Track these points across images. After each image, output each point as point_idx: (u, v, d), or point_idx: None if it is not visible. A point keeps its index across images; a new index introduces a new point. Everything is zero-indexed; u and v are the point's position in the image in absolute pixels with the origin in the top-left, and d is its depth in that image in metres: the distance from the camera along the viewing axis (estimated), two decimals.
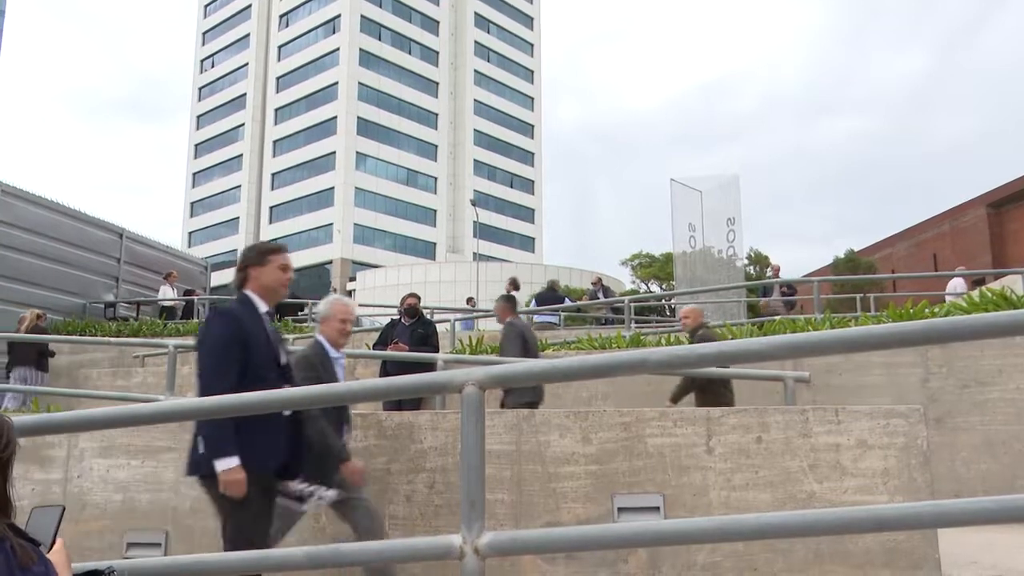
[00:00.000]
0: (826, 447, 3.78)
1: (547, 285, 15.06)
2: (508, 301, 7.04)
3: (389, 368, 7.35)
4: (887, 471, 3.73)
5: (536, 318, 14.27)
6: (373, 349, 8.13)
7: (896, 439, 3.75)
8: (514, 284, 13.54)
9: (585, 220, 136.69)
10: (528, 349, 6.69)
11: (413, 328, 7.88)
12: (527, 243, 73.10)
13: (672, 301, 22.82)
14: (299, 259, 61.31)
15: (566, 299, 15.31)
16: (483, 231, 56.35)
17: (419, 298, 8.28)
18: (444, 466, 4.09)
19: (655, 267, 44.82)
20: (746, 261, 38.78)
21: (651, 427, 3.93)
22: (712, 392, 6.20)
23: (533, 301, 14.44)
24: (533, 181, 75.48)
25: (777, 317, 10.79)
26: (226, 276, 65.90)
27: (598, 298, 16.37)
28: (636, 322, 14.08)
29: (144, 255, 15.84)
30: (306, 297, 16.74)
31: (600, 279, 18.05)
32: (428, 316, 9.20)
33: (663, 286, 42.74)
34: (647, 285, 46.50)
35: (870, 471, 3.74)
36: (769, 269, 41.08)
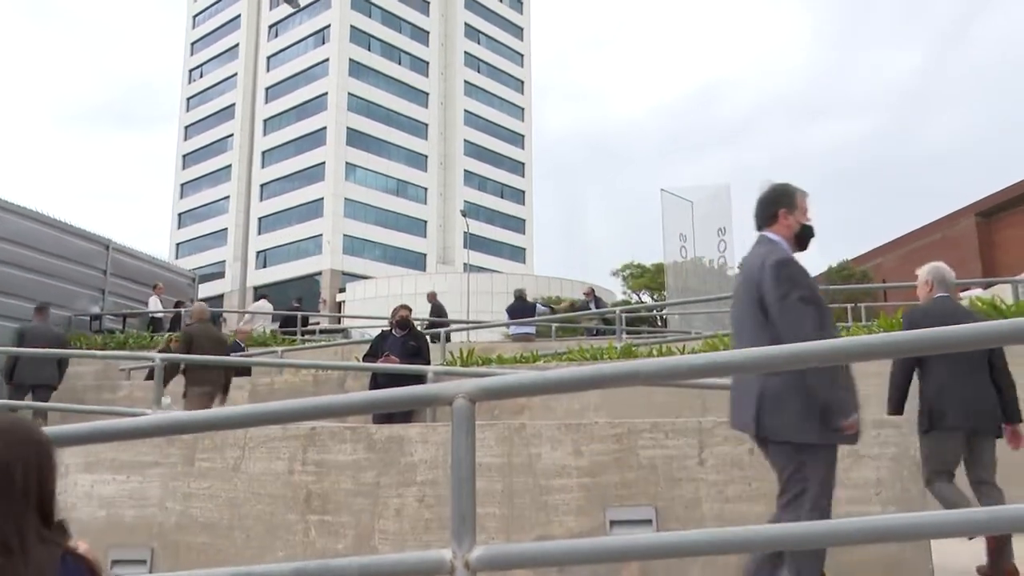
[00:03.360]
0: None
1: (515, 295, 14.93)
2: None
3: (379, 380, 7.34)
4: (880, 482, 3.74)
5: (512, 330, 14.21)
6: (363, 361, 8.11)
7: (887, 449, 3.76)
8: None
9: (576, 230, 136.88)
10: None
11: (404, 340, 7.86)
12: (518, 254, 73.15)
13: (664, 311, 22.86)
14: (288, 271, 61.14)
15: (537, 306, 15.25)
16: (474, 242, 56.40)
17: (411, 310, 8.25)
18: (434, 479, 4.07)
19: (646, 277, 44.91)
20: (738, 271, 38.90)
21: (643, 439, 3.92)
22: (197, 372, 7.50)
23: (506, 316, 14.29)
24: (524, 191, 75.62)
25: None
26: (214, 288, 65.40)
27: (590, 308, 16.37)
28: (627, 333, 14.09)
29: (130, 267, 15.76)
30: (305, 309, 16.67)
31: (592, 289, 18.06)
32: (419, 328, 9.19)
33: (655, 296, 42.83)
34: (638, 295, 46.58)
35: (862, 481, 3.74)
36: None
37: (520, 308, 14.37)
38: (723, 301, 16.82)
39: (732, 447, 3.84)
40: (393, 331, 8.05)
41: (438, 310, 16.67)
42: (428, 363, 7.83)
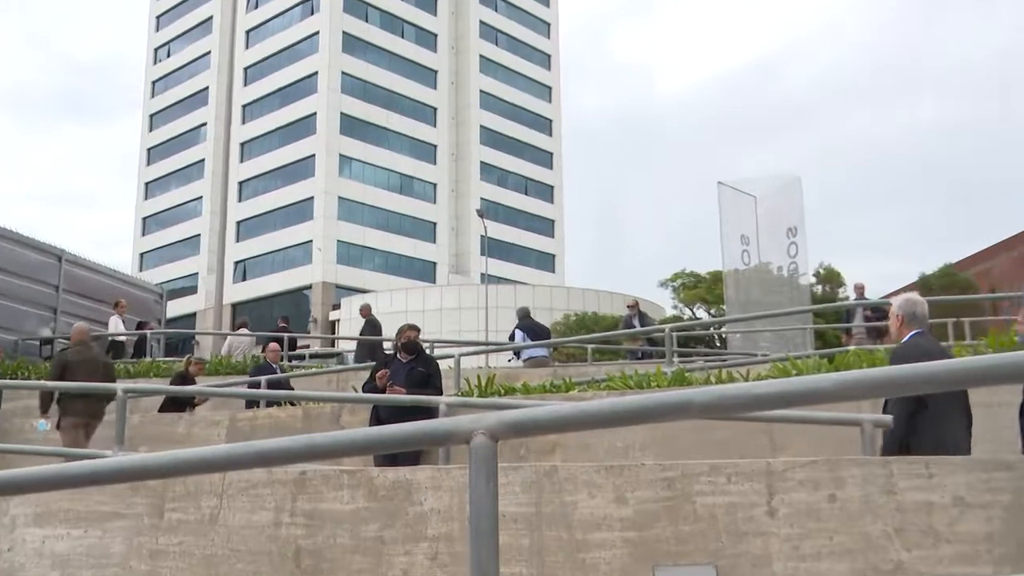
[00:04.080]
0: (915, 506, 3.74)
1: (521, 314, 15.07)
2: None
3: (382, 414, 7.38)
4: (991, 536, 3.68)
5: (525, 354, 14.32)
6: (362, 391, 8.17)
7: (1001, 496, 3.70)
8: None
9: (616, 233, 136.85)
10: None
11: (412, 366, 7.89)
12: (546, 261, 73.24)
13: (723, 329, 22.77)
14: (272, 284, 61.72)
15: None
16: (493, 247, 56.55)
17: (419, 330, 8.31)
18: (449, 533, 4.07)
19: (701, 288, 44.82)
20: (813, 279, 38.67)
21: (700, 483, 3.90)
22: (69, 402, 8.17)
23: (522, 335, 14.38)
24: (552, 187, 75.81)
25: (851, 348, 10.73)
26: (185, 304, 65.76)
27: (632, 325, 16.35)
28: (679, 355, 14.03)
29: (87, 281, 16.00)
30: (292, 329, 16.87)
31: (637, 303, 18.04)
32: (429, 352, 9.25)
33: (712, 311, 42.66)
34: (692, 310, 46.44)
35: (970, 536, 3.69)
36: (846, 289, 41.02)
37: (532, 327, 14.57)
38: (795, 316, 16.73)
39: (808, 493, 3.81)
40: (398, 355, 8.10)
41: (373, 327, 16.92)
42: (440, 393, 7.86)
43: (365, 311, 17.67)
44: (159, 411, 10.07)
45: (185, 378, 11.17)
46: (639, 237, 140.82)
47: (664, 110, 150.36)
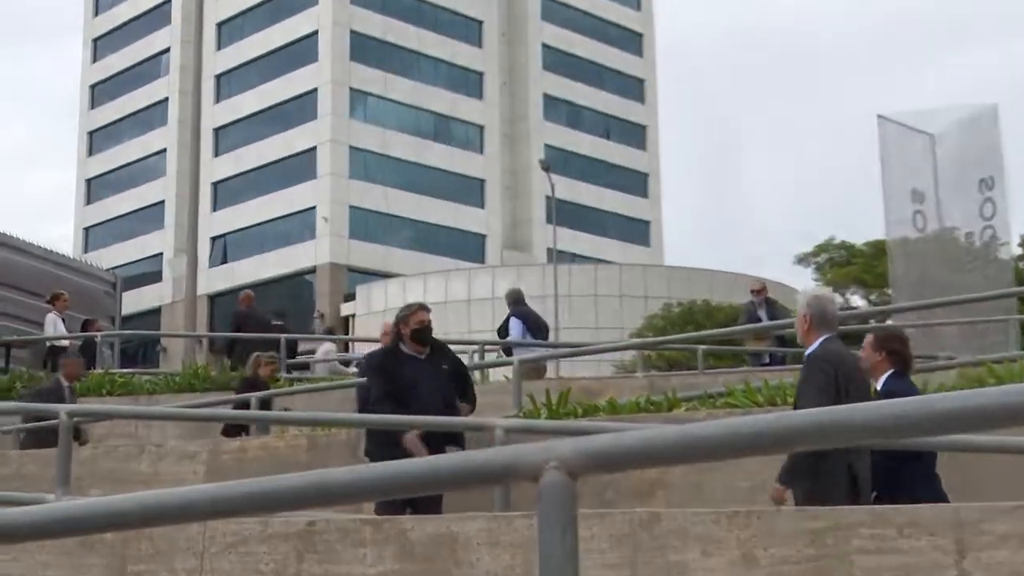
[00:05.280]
0: None
1: (514, 296, 15.03)
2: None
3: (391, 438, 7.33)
4: None
5: (519, 353, 14.32)
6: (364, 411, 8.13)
7: None
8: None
9: (734, 191, 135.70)
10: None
11: (436, 364, 7.83)
12: (637, 231, 72.89)
13: (888, 321, 22.48)
14: (262, 267, 62.30)
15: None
16: (563, 213, 56.40)
17: (430, 310, 8.03)
18: None
19: (857, 265, 44.28)
20: (1019, 251, 37.87)
21: (860, 538, 3.89)
22: None
23: (520, 325, 14.32)
24: (644, 127, 75.36)
25: None
26: (146, 296, 66.22)
27: (759, 319, 16.23)
28: None
29: (15, 267, 16.34)
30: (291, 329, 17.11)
31: (765, 287, 17.88)
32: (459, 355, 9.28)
33: (871, 297, 42.09)
34: (844, 296, 45.90)
35: None
36: None
37: (530, 316, 14.67)
38: (993, 303, 16.41)
39: (1014, 551, 3.77)
40: (401, 346, 7.90)
41: (250, 319, 16.87)
42: (472, 401, 7.87)
43: (246, 300, 17.95)
44: (222, 434, 10.34)
45: (256, 384, 11.40)
46: (766, 197, 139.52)
47: (798, 20, 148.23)
